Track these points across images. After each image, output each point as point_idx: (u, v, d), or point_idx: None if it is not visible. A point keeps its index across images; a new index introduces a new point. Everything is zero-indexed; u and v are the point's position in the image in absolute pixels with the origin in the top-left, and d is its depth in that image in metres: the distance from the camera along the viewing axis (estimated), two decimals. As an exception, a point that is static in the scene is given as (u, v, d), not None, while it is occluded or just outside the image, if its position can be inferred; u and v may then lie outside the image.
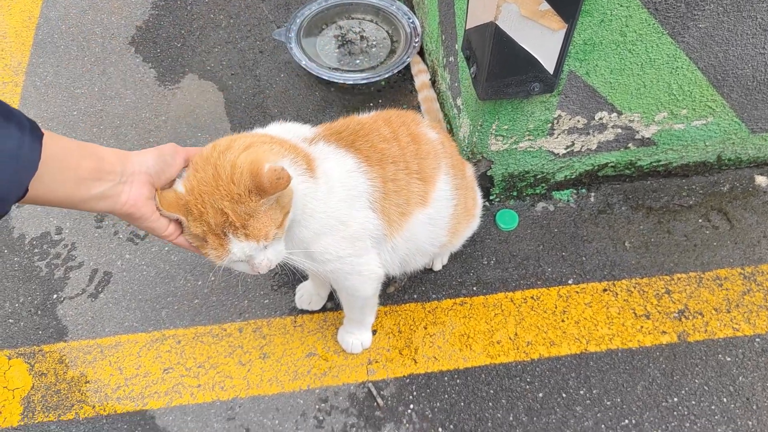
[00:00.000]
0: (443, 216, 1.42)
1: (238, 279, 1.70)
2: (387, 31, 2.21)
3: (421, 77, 2.04)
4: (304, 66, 2.04)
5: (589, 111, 1.60)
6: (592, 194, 1.86)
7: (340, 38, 2.19)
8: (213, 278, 1.71)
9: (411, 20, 2.14)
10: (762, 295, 1.68)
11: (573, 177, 1.81)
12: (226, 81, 2.12)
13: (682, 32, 1.43)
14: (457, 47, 1.71)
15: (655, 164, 1.82)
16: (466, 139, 1.69)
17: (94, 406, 1.51)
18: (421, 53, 2.13)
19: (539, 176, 1.79)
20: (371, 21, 2.24)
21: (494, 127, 1.59)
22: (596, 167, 1.79)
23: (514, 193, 1.84)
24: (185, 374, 1.55)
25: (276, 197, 1.03)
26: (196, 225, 1.04)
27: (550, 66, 1.42)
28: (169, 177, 1.06)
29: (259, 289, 1.69)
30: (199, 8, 2.32)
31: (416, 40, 2.10)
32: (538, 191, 1.84)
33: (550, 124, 1.61)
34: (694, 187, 1.88)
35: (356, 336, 1.56)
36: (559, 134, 1.65)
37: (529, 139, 1.65)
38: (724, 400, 1.53)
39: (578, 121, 1.62)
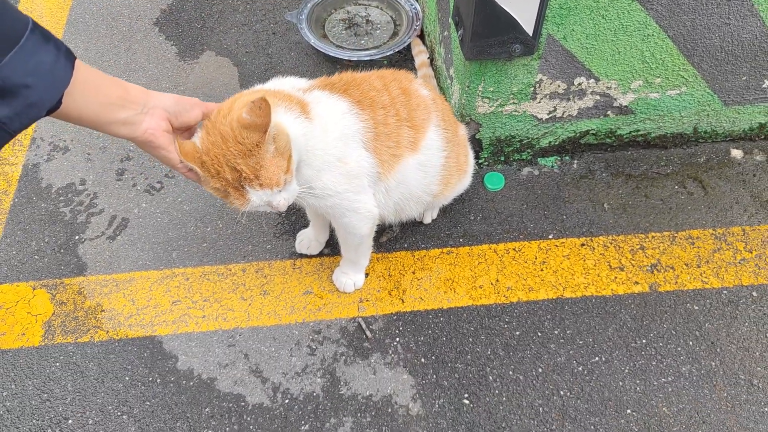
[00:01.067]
0: (434, 164, 1.56)
1: (243, 227, 1.85)
2: (391, 16, 2.38)
3: (420, 57, 2.20)
4: (313, 44, 2.21)
5: (568, 76, 1.74)
6: (575, 161, 2.00)
7: (347, 21, 2.36)
8: (221, 225, 1.86)
9: (413, 6, 2.31)
10: (731, 254, 1.79)
11: (557, 143, 1.95)
12: (241, 58, 2.30)
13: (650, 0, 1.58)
14: (450, 21, 1.86)
15: (634, 134, 1.95)
16: (456, 103, 1.84)
17: (107, 331, 1.65)
18: (421, 37, 2.29)
19: (524, 141, 1.93)
20: (377, 7, 2.41)
21: (480, 89, 1.74)
22: (578, 134, 1.93)
23: (502, 158, 1.97)
24: (191, 306, 1.70)
25: (274, 145, 1.19)
26: (215, 181, 1.21)
27: (529, 28, 1.57)
28: (185, 122, 1.21)
29: (263, 235, 1.84)
30: (218, -6, 2.52)
31: (417, 24, 2.26)
32: (524, 157, 1.98)
33: (532, 88, 1.76)
34: (672, 157, 2.01)
35: (350, 276, 1.70)
36: (542, 99, 1.79)
37: (513, 103, 1.80)
38: (690, 343, 1.63)
39: (559, 86, 1.76)
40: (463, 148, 1.71)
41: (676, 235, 1.84)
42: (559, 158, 1.99)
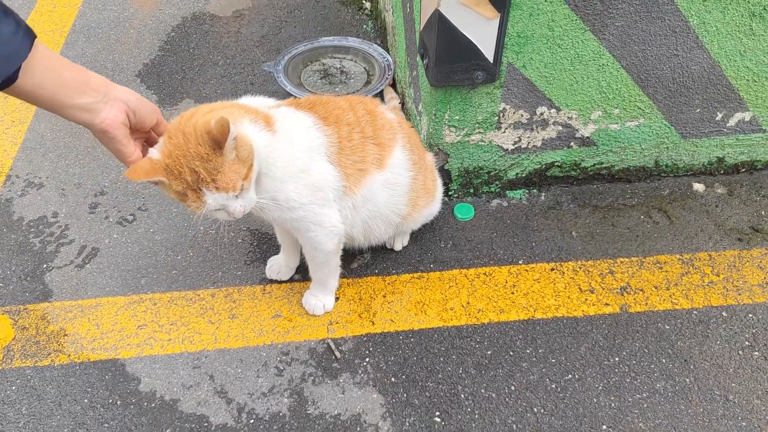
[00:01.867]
0: (401, 183, 1.60)
1: (214, 255, 1.85)
2: (364, 67, 2.50)
3: (392, 102, 2.29)
4: (289, 90, 2.30)
5: (530, 105, 1.82)
6: (543, 194, 2.05)
7: (322, 72, 2.47)
8: (192, 253, 1.86)
9: (385, 58, 2.43)
10: (699, 277, 1.81)
11: (524, 175, 2.00)
12: (218, 105, 2.38)
13: (602, 29, 1.68)
14: (417, 59, 1.96)
15: (598, 166, 2.02)
16: (425, 135, 1.90)
17: (69, 355, 1.61)
18: (393, 86, 2.39)
19: (492, 173, 1.98)
20: (351, 59, 2.52)
21: (447, 117, 1.81)
22: (544, 166, 1.99)
23: (471, 190, 2.02)
24: (158, 330, 1.66)
25: (235, 153, 1.22)
26: (177, 183, 1.24)
27: (489, 54, 1.66)
28: (142, 121, 1.23)
29: (233, 263, 1.83)
30: (200, 51, 2.63)
31: (389, 73, 2.37)
32: (493, 189, 2.02)
33: (496, 117, 1.83)
34: (636, 190, 2.07)
35: (319, 299, 1.69)
36: (506, 128, 1.86)
37: (479, 132, 1.86)
38: (663, 360, 1.62)
39: (522, 116, 1.84)
40: (431, 173, 1.76)
41: (644, 260, 1.86)
42: (527, 191, 2.04)
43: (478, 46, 1.64)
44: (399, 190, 1.61)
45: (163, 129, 1.27)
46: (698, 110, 1.91)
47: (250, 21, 2.81)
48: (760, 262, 1.86)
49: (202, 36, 2.71)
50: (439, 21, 1.58)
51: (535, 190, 2.05)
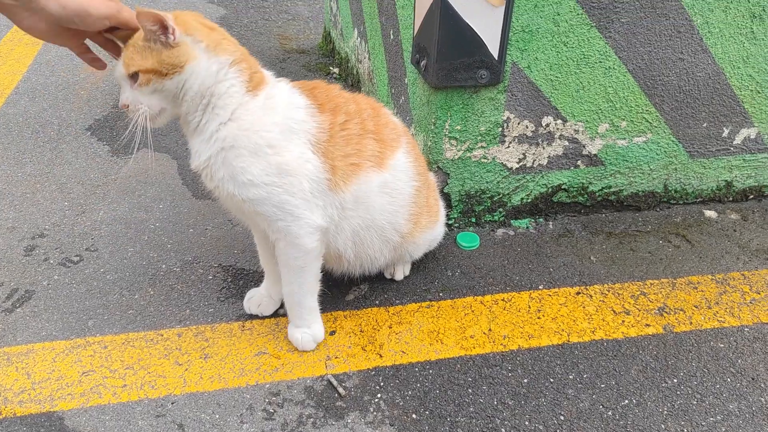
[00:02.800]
0: (402, 191, 1.38)
1: (180, 292, 1.53)
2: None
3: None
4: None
5: (535, 114, 1.67)
6: (551, 223, 1.85)
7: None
8: (152, 291, 1.53)
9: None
10: (739, 295, 1.61)
11: (529, 201, 1.81)
12: (180, 153, 2.14)
13: (608, 26, 1.59)
14: (406, 70, 1.82)
15: (606, 190, 1.85)
16: (423, 152, 1.71)
17: (-12, 411, 1.22)
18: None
19: (495, 198, 1.78)
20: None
21: (447, 127, 1.63)
22: (550, 189, 1.81)
23: (473, 219, 1.80)
24: (109, 376, 1.31)
25: (157, 45, 1.10)
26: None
27: (494, 48, 1.53)
28: (85, 27, 1.09)
29: (204, 300, 1.52)
30: (158, 108, 2.43)
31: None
32: (496, 218, 1.82)
33: (500, 128, 1.67)
34: (648, 218, 1.90)
35: (304, 328, 1.38)
36: (510, 142, 1.70)
37: (482, 147, 1.68)
38: (728, 380, 1.37)
39: (527, 127, 1.68)
40: (434, 192, 1.56)
41: (675, 281, 1.65)
42: (533, 220, 1.84)
43: (483, 39, 1.51)
44: (399, 199, 1.38)
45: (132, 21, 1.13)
46: (705, 124, 1.81)
47: (213, 84, 2.65)
48: (798, 279, 1.68)
49: (161, 96, 2.52)
50: (441, 6, 1.44)
51: (541, 219, 1.85)
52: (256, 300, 1.47)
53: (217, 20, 3.36)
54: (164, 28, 1.09)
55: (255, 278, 1.57)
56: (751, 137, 1.87)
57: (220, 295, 1.54)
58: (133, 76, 1.12)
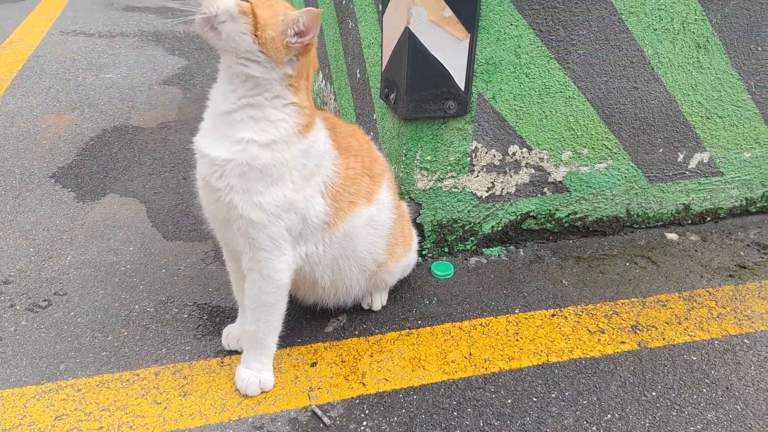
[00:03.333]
0: (383, 223, 1.42)
1: (155, 332, 1.50)
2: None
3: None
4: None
5: (502, 143, 1.73)
6: (521, 250, 1.89)
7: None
8: (126, 332, 1.50)
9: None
10: (706, 311, 1.66)
11: (500, 229, 1.85)
12: (148, 197, 2.12)
13: (566, 57, 1.67)
14: (374, 106, 1.86)
15: (572, 216, 1.91)
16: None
17: (-44, 461, 1.17)
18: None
19: (467, 227, 1.81)
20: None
21: (418, 158, 1.67)
22: (519, 217, 1.85)
23: (446, 249, 1.83)
24: (84, 419, 1.26)
25: (281, 35, 1.10)
26: None
27: (460, 80, 1.59)
28: None
29: (180, 338, 1.49)
30: (123, 155, 2.42)
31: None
32: (468, 247, 1.85)
33: (469, 158, 1.71)
34: (613, 243, 1.96)
35: (254, 371, 1.33)
36: (479, 171, 1.74)
37: (452, 176, 1.73)
38: (704, 390, 1.40)
39: (494, 156, 1.74)
40: (407, 222, 1.59)
41: (644, 300, 1.70)
42: (504, 248, 1.88)
43: (449, 71, 1.56)
44: (380, 230, 1.42)
45: None
46: (661, 150, 1.89)
47: (178, 130, 2.66)
48: (759, 293, 1.74)
49: (126, 143, 2.52)
50: (409, 41, 1.50)
51: (512, 247, 1.89)
52: (235, 335, 1.45)
53: (178, 71, 3.40)
54: (300, 34, 1.10)
55: (231, 315, 1.56)
56: (704, 161, 1.96)
57: (196, 332, 1.51)
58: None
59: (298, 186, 1.22)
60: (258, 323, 1.30)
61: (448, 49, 1.54)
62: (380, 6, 1.70)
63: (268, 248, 1.22)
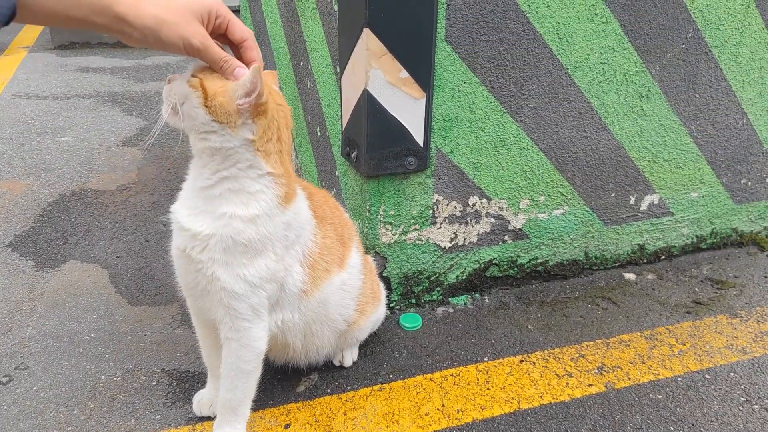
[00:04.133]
0: (354, 286, 1.44)
1: (123, 402, 1.47)
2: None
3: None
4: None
5: (462, 195, 1.78)
6: (486, 297, 1.92)
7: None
8: (92, 404, 1.46)
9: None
10: (667, 348, 1.72)
11: (464, 278, 1.89)
12: (111, 261, 2.10)
13: (518, 111, 1.75)
14: (336, 163, 1.90)
15: (533, 262, 1.96)
16: (360, 236, 1.77)
17: None
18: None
19: (432, 277, 1.84)
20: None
21: (381, 213, 1.71)
22: (483, 265, 1.90)
23: (413, 300, 1.85)
24: (51, 499, 1.22)
25: (223, 100, 1.09)
26: None
27: (419, 137, 1.64)
28: (220, 24, 1.07)
29: (149, 407, 1.46)
30: (83, 219, 2.39)
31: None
32: (435, 297, 1.87)
33: (431, 210, 1.76)
34: (574, 286, 2.01)
35: None
36: (442, 223, 1.79)
37: (415, 229, 1.76)
38: (671, 428, 1.44)
39: (455, 207, 1.78)
40: (374, 276, 1.62)
41: (608, 341, 1.74)
42: (469, 296, 1.91)
43: (408, 128, 1.62)
44: (351, 293, 1.44)
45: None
46: (613, 194, 1.97)
47: (138, 192, 2.64)
48: (716, 327, 1.81)
49: (85, 207, 2.49)
50: (368, 102, 1.55)
51: (477, 295, 1.92)
52: (207, 401, 1.43)
53: (136, 132, 3.40)
54: (247, 94, 1.08)
55: (201, 379, 1.54)
56: (655, 203, 2.05)
57: (166, 400, 1.49)
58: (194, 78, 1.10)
59: (279, 256, 1.22)
60: (235, 391, 1.29)
61: (406, 108, 1.59)
62: (338, 68, 1.75)
63: (249, 317, 1.23)
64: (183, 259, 1.21)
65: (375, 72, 1.53)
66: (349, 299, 1.44)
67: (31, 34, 6.18)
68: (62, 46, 5.63)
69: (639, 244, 2.10)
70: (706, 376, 1.61)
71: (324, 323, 1.40)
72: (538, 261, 1.97)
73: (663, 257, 2.16)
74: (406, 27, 1.52)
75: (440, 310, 1.86)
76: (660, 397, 1.53)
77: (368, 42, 1.50)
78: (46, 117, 3.60)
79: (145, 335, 1.72)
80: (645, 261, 2.13)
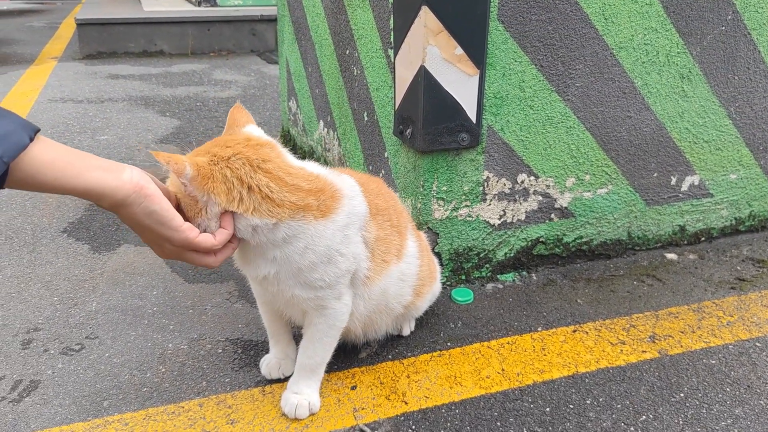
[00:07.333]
0: (411, 273, 1.48)
1: (193, 367, 1.52)
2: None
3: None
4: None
5: (511, 172, 1.83)
6: (533, 275, 1.97)
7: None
8: (163, 369, 1.51)
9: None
10: (716, 320, 1.75)
11: (512, 255, 1.93)
12: (163, 245, 2.16)
13: (565, 90, 1.80)
14: (385, 144, 1.96)
15: (578, 240, 2.00)
16: (412, 212, 1.82)
17: (12, 498, 1.16)
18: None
19: (482, 254, 1.89)
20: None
21: (435, 188, 1.76)
22: (530, 243, 1.94)
23: (463, 277, 1.90)
24: (136, 451, 1.27)
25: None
26: None
27: (472, 114, 1.70)
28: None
29: (218, 371, 1.51)
30: (132, 208, 2.46)
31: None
32: (484, 274, 1.92)
33: (481, 187, 1.81)
34: (618, 265, 2.05)
35: (305, 395, 1.37)
36: (491, 200, 1.84)
37: (466, 205, 1.81)
38: (728, 389, 1.47)
39: (504, 185, 1.83)
40: (430, 254, 1.65)
41: (657, 313, 1.78)
42: (517, 273, 1.96)
43: (462, 105, 1.67)
44: (409, 281, 1.48)
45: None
46: (655, 174, 2.02)
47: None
48: (762, 301, 1.84)
49: (132, 198, 2.55)
50: (425, 78, 1.61)
51: (524, 272, 1.97)
52: (275, 364, 1.48)
53: (172, 131, 3.48)
54: (194, 180, 1.12)
55: (265, 347, 1.58)
56: (695, 184, 2.09)
57: (233, 365, 1.54)
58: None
59: (345, 256, 1.25)
60: (316, 357, 1.37)
61: (460, 84, 1.65)
62: (389, 52, 1.82)
63: (333, 304, 1.30)
64: (258, 284, 1.31)
65: (432, 49, 1.59)
66: (407, 287, 1.47)
67: (58, 46, 6.32)
68: (90, 55, 5.76)
69: (680, 225, 2.14)
70: (757, 344, 1.64)
71: (383, 312, 1.45)
72: (583, 240, 2.02)
73: (703, 239, 2.20)
74: (461, 5, 1.58)
75: (490, 286, 1.90)
76: (713, 362, 1.57)
77: (426, 19, 1.56)
78: (83, 118, 3.70)
79: (206, 309, 1.78)
80: (685, 242, 2.17)
